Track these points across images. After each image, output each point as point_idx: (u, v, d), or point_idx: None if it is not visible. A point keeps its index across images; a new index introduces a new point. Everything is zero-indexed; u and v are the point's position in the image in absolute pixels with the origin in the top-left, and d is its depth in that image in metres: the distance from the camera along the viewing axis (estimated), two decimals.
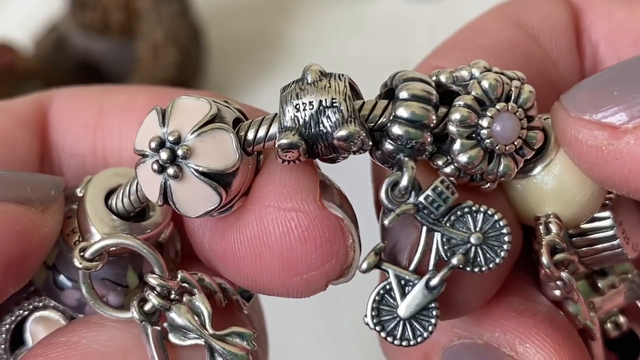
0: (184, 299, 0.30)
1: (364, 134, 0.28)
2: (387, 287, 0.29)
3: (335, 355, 0.69)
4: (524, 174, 0.31)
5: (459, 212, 0.29)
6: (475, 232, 0.29)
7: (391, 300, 0.29)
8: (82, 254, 0.30)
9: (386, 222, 0.29)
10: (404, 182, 0.28)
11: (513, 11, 0.36)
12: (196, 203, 0.28)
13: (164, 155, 0.27)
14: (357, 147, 0.28)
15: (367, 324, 0.29)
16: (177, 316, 0.30)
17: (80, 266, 0.30)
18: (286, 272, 0.29)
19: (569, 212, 0.31)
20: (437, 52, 0.35)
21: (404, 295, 0.29)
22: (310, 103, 0.28)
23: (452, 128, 0.28)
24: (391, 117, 0.28)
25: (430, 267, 0.29)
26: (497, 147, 0.29)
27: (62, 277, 0.32)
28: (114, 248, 0.30)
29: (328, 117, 0.28)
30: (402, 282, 0.29)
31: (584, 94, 0.29)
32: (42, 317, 0.32)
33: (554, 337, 0.30)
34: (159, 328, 0.30)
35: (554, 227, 0.30)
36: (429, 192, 0.28)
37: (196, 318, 0.30)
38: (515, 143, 0.29)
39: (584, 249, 0.33)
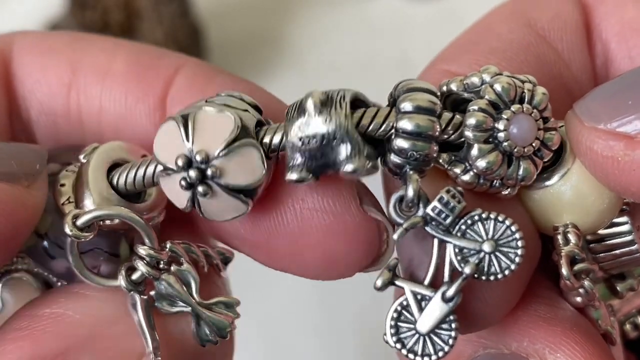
0: (172, 268, 0.30)
1: (370, 165, 0.28)
2: (404, 303, 0.29)
3: (335, 354, 0.69)
4: (541, 184, 0.30)
5: (469, 221, 0.28)
6: (487, 240, 0.28)
7: (409, 316, 0.29)
8: (74, 220, 0.30)
9: (395, 236, 0.28)
10: (409, 195, 0.28)
11: (522, 10, 0.35)
12: (224, 212, 0.29)
13: (192, 174, 0.28)
14: (365, 174, 0.28)
15: (387, 342, 0.29)
16: (166, 285, 0.30)
17: (70, 233, 0.30)
18: (324, 269, 0.30)
19: (587, 220, 0.30)
20: (446, 55, 0.34)
21: (421, 310, 0.29)
22: (314, 136, 0.28)
23: (468, 133, 0.28)
24: (394, 130, 0.28)
25: (445, 279, 0.28)
26: (515, 150, 0.28)
27: (53, 246, 0.31)
28: (108, 222, 0.30)
29: (333, 148, 0.28)
30: (419, 297, 0.29)
31: (597, 103, 0.28)
32: (13, 280, 0.32)
33: (583, 346, 0.29)
34: (146, 297, 0.30)
35: (572, 237, 0.30)
36: (435, 203, 0.28)
37: (184, 287, 0.30)
38: (534, 144, 0.28)
39: (602, 254, 0.33)
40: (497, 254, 0.28)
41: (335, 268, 0.30)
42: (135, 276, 0.30)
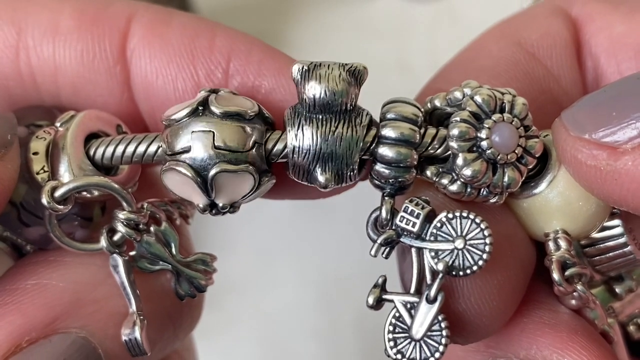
0: (152, 228, 0.32)
1: None
2: (397, 314, 0.30)
3: (335, 355, 0.69)
4: (529, 192, 0.31)
5: (438, 224, 0.29)
6: (457, 238, 0.29)
7: (403, 326, 0.30)
8: (52, 192, 0.30)
9: (372, 252, 0.30)
10: (383, 214, 0.30)
11: (512, 29, 0.36)
12: None
13: (214, 212, 0.30)
14: None
15: (389, 356, 0.30)
16: (147, 246, 0.31)
17: (47, 205, 0.30)
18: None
19: (576, 225, 0.31)
20: (440, 75, 0.35)
21: (412, 317, 0.30)
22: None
23: (452, 144, 0.29)
24: (375, 155, 0.29)
25: (428, 282, 0.30)
26: (499, 157, 0.29)
27: (28, 214, 0.31)
28: (85, 194, 0.31)
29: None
30: (408, 305, 0.30)
31: (583, 112, 0.29)
32: None
33: (589, 349, 0.30)
34: (126, 257, 0.31)
35: (562, 243, 0.31)
36: (401, 213, 0.30)
37: (165, 247, 0.32)
38: (516, 152, 0.29)
39: (597, 257, 0.33)
40: (468, 247, 0.29)
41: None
42: (116, 237, 0.31)
